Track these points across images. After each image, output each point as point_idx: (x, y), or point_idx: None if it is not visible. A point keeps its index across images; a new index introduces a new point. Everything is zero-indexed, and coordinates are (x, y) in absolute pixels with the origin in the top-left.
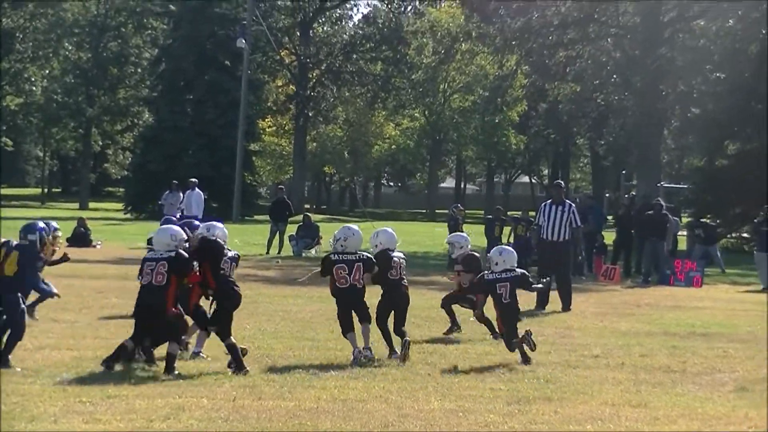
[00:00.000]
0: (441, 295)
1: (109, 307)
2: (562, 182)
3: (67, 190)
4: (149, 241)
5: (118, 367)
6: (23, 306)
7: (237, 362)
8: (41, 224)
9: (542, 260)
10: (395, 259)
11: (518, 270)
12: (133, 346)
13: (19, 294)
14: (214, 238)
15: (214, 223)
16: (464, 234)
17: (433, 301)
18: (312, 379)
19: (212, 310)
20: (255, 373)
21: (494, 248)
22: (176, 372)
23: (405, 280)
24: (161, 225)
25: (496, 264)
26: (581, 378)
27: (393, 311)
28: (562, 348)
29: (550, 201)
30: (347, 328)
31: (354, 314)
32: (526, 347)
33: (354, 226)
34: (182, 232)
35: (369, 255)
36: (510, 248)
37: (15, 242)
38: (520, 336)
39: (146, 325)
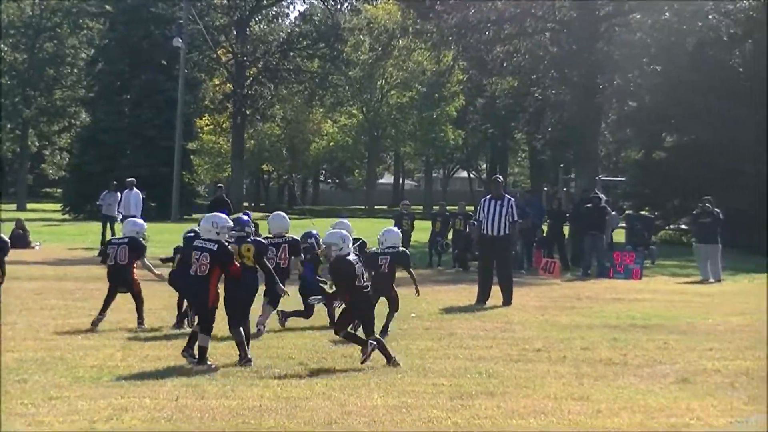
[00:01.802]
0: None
1: (48, 308)
2: (501, 177)
3: (4, 191)
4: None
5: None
6: None
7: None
8: None
9: (482, 255)
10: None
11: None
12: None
13: None
14: (348, 252)
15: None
16: (341, 231)
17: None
18: (254, 378)
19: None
20: (197, 372)
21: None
22: (208, 363)
23: None
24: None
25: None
26: (523, 372)
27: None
28: (504, 342)
29: (489, 196)
30: None
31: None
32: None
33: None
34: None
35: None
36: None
37: None
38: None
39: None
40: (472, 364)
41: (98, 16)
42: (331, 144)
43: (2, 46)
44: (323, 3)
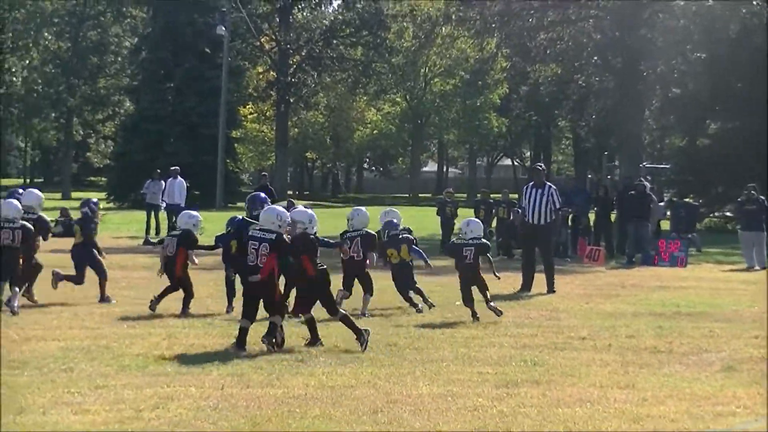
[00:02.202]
0: (426, 279)
1: (93, 296)
2: (542, 165)
3: (50, 180)
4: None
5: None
6: None
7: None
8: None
9: (525, 243)
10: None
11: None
12: (247, 324)
13: None
14: (314, 233)
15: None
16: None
17: (422, 285)
18: (300, 366)
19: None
20: (242, 361)
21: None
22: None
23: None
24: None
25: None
26: (569, 360)
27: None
28: (549, 330)
29: (531, 184)
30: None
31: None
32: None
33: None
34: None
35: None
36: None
37: None
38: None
39: (253, 304)
40: (517, 352)
41: (141, 4)
42: (375, 132)
43: (45, 34)
44: None
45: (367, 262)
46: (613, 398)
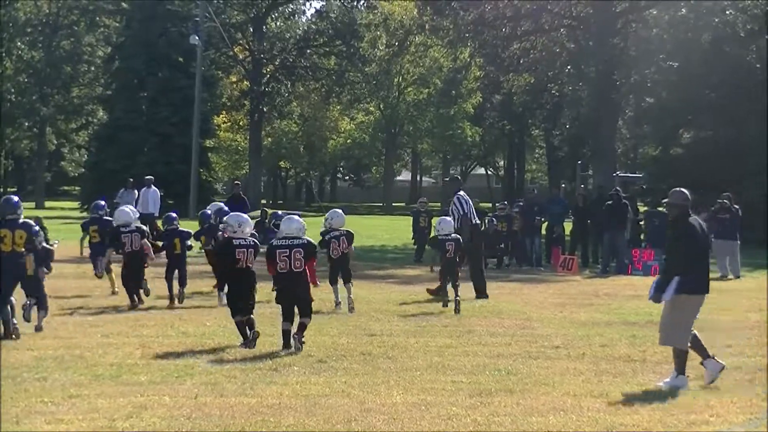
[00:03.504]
0: (400, 289)
1: (66, 306)
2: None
3: (23, 189)
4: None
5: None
6: None
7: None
8: None
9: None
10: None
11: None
12: (290, 326)
13: None
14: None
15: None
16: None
17: (391, 294)
18: (273, 375)
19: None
20: (216, 370)
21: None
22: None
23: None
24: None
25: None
26: (542, 369)
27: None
28: (523, 339)
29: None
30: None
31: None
32: None
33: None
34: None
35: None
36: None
37: None
38: None
39: (292, 308)
40: (491, 361)
41: (115, 13)
42: (349, 141)
43: (19, 43)
44: (339, 0)
45: (350, 254)
46: (587, 407)
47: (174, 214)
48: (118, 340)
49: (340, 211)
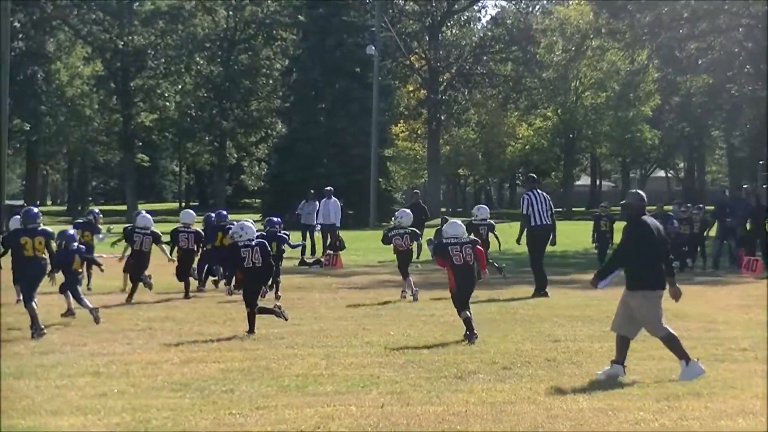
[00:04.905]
0: (583, 294)
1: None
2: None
3: (204, 203)
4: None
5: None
6: None
7: None
8: None
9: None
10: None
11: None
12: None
13: None
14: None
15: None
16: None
17: (575, 299)
18: (459, 383)
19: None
20: (402, 379)
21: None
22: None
23: None
24: None
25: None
26: (730, 372)
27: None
28: (708, 342)
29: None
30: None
31: None
32: None
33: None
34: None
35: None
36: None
37: None
38: None
39: (467, 296)
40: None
41: (291, 26)
42: (527, 147)
43: (198, 59)
44: (515, 5)
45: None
46: None
47: (276, 219)
48: (303, 351)
49: (408, 211)
